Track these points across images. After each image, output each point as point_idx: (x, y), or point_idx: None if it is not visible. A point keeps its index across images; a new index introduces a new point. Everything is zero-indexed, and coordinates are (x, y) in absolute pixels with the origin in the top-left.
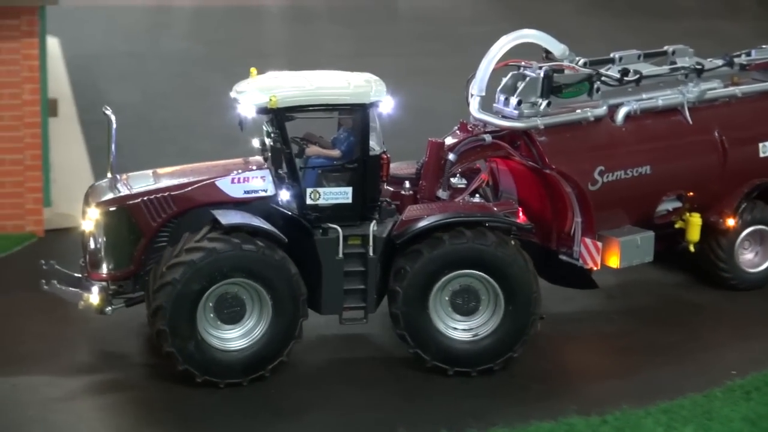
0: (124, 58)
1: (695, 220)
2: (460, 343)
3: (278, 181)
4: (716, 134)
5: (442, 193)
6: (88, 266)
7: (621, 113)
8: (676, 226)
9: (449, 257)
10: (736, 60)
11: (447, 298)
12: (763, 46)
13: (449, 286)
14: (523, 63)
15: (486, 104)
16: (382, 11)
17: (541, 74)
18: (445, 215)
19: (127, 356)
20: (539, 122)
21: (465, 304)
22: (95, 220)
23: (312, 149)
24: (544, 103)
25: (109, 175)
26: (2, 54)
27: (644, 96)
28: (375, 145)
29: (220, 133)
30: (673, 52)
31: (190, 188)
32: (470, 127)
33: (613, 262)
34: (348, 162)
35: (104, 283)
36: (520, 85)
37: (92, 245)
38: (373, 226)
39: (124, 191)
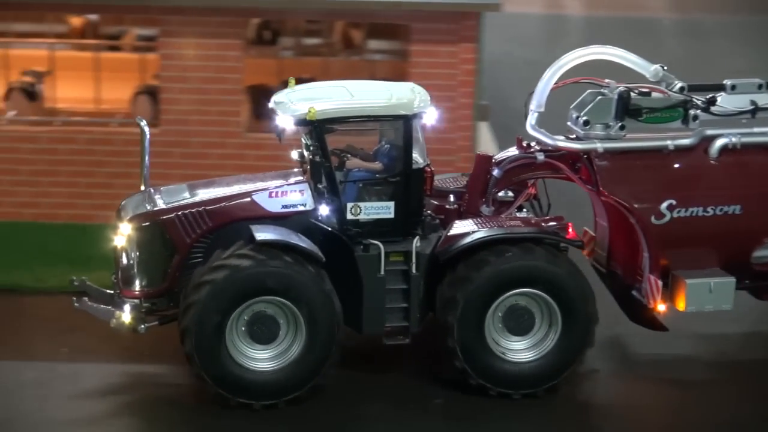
0: (521, 64)
1: None
2: (520, 364)
3: (317, 195)
4: None
5: (485, 209)
6: (120, 283)
7: (716, 146)
8: None
9: (502, 277)
10: None
11: (500, 320)
12: None
13: (500, 307)
14: (606, 81)
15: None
16: None
17: (616, 95)
18: (490, 232)
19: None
20: (599, 145)
21: (519, 323)
22: (128, 236)
23: (353, 162)
24: (617, 125)
25: (142, 188)
26: (440, 57)
27: (755, 130)
28: (418, 158)
29: None
30: None
31: (226, 203)
32: (525, 144)
33: (680, 304)
34: (390, 175)
35: (137, 301)
36: (590, 104)
37: (124, 261)
38: (416, 242)
39: (157, 205)
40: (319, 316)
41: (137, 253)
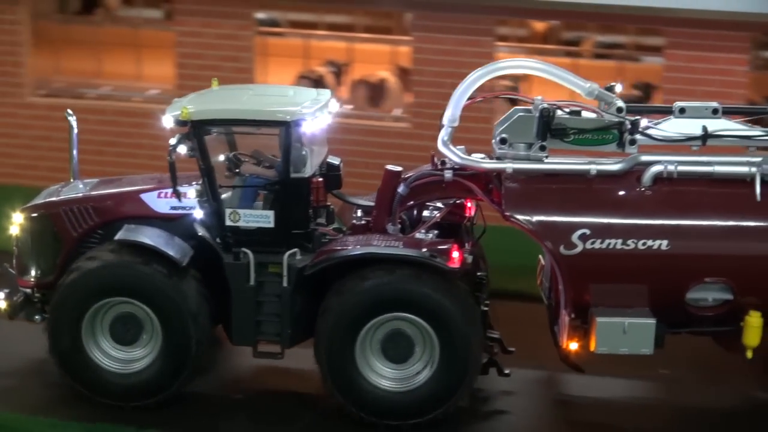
0: None
1: (753, 321)
2: (389, 393)
3: (203, 199)
4: None
5: (390, 227)
6: (15, 271)
7: (648, 173)
8: (742, 323)
9: (376, 297)
10: None
11: (378, 344)
12: None
13: (380, 330)
14: (533, 97)
15: None
16: None
17: (537, 112)
18: (357, 250)
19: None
20: (508, 165)
21: (397, 350)
22: (19, 225)
23: (247, 167)
24: (537, 145)
25: (72, 180)
26: None
27: (699, 159)
28: (307, 167)
29: None
30: None
31: (113, 200)
32: (439, 161)
33: (592, 344)
34: (270, 184)
35: (29, 290)
36: (508, 121)
37: (18, 250)
38: (288, 255)
39: (55, 198)
40: (174, 323)
41: (29, 244)
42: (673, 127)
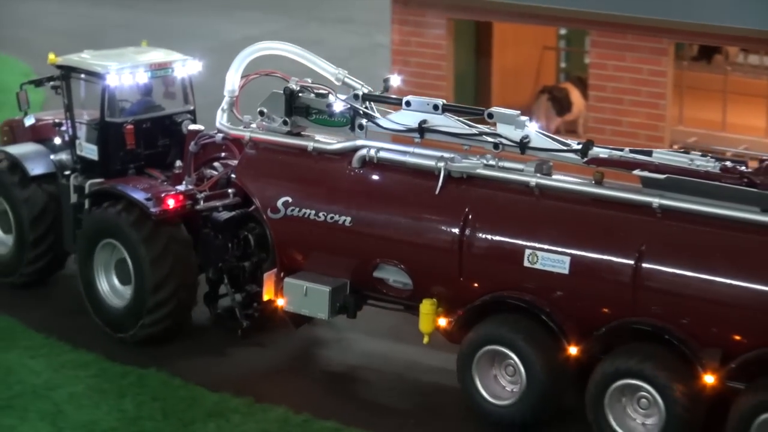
0: None
1: (423, 309)
2: (113, 307)
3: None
4: (461, 220)
5: (187, 179)
6: None
7: (356, 156)
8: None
9: (95, 225)
10: (596, 149)
11: (113, 266)
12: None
13: (117, 253)
14: (293, 78)
15: None
16: None
17: (283, 91)
18: (104, 186)
19: None
20: (247, 133)
21: (124, 273)
22: None
23: None
24: (280, 120)
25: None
26: None
27: (403, 148)
28: (115, 116)
29: None
30: (490, 116)
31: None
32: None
33: (283, 300)
34: (95, 125)
35: None
36: (266, 97)
37: None
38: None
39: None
40: (18, 222)
41: None
42: (403, 119)
